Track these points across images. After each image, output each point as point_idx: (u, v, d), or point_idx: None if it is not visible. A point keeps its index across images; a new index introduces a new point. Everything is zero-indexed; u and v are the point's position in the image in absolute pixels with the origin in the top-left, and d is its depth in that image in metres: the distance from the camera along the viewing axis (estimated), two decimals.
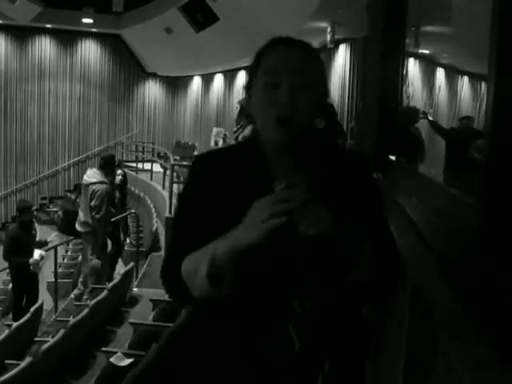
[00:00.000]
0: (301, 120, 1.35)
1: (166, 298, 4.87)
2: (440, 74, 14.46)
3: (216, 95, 18.43)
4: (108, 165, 7.73)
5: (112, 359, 3.92)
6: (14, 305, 8.18)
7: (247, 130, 7.34)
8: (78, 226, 7.64)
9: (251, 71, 1.44)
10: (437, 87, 14.36)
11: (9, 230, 8.25)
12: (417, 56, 12.54)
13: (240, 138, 7.47)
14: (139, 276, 8.51)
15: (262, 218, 1.19)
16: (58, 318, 7.01)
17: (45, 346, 4.69)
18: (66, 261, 10.65)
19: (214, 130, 8.21)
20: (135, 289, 7.90)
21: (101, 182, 7.44)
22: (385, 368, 2.38)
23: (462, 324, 1.36)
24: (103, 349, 4.66)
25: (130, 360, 3.89)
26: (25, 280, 7.86)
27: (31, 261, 7.73)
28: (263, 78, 1.38)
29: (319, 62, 1.43)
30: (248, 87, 1.43)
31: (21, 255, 7.69)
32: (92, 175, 7.55)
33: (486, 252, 1.78)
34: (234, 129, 7.71)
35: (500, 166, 2.02)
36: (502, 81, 2.00)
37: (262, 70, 1.39)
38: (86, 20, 16.72)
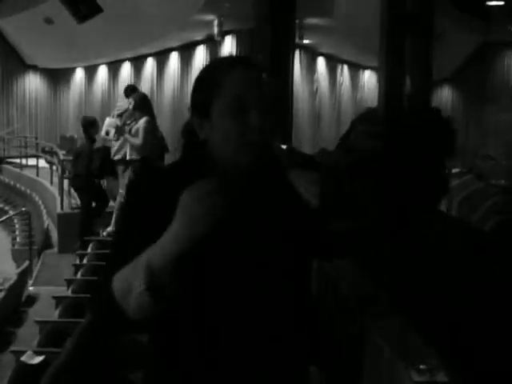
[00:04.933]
0: (268, 143, 1.39)
1: (69, 294, 4.85)
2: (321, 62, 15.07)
3: (100, 87, 18.12)
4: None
5: (23, 358, 3.90)
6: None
7: (141, 123, 7.39)
8: None
9: (207, 95, 1.39)
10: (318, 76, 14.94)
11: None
12: (301, 47, 13.06)
13: (133, 130, 7.51)
14: (34, 275, 8.35)
15: (200, 211, 1.15)
16: None
17: None
18: None
19: (107, 120, 8.15)
20: (31, 288, 7.75)
21: None
22: None
23: (364, 289, 1.59)
24: (12, 348, 4.60)
25: (42, 357, 3.89)
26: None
27: None
28: (230, 104, 1.36)
29: (274, 83, 1.50)
30: (204, 112, 1.39)
31: None
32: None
33: (382, 230, 2.03)
34: (128, 121, 7.70)
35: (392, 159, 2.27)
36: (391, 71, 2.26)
37: (229, 95, 1.36)
38: None
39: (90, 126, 8.45)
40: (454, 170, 10.63)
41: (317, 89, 15.19)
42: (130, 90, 8.52)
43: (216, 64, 1.44)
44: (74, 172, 8.62)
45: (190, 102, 1.45)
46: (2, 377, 4.36)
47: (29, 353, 3.98)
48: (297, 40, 10.53)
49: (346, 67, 15.72)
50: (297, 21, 9.15)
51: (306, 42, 11.94)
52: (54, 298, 5.56)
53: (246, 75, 1.38)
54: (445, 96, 18.69)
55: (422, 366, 1.09)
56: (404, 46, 2.02)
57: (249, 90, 1.36)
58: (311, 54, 14.46)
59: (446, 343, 1.17)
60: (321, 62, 15.22)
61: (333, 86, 15.74)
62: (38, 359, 3.90)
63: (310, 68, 14.84)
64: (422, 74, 1.99)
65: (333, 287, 1.99)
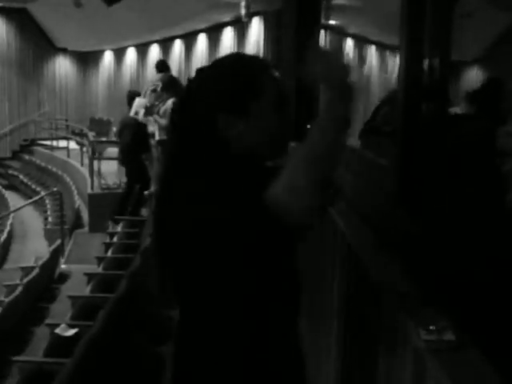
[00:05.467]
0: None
1: (100, 270, 5.01)
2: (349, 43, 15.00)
3: (129, 69, 18.26)
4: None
5: (57, 330, 4.07)
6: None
7: (169, 104, 7.50)
8: None
9: (247, 94, 1.46)
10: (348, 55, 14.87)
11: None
12: (328, 28, 13.01)
13: (161, 111, 7.64)
14: (66, 253, 8.57)
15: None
16: None
17: None
18: None
19: (137, 100, 8.27)
20: (63, 265, 7.97)
21: None
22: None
23: (380, 255, 1.67)
24: (47, 322, 4.78)
25: (75, 330, 4.05)
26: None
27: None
28: (273, 102, 1.47)
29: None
30: (242, 110, 1.45)
31: None
32: None
33: (399, 205, 2.10)
34: (156, 102, 7.83)
35: (409, 128, 2.32)
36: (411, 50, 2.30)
37: (271, 94, 1.47)
38: None
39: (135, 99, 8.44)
40: None
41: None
42: (161, 65, 8.59)
43: (250, 65, 1.53)
44: (120, 148, 8.67)
45: (214, 99, 1.47)
46: (37, 348, 4.55)
47: (63, 326, 4.14)
48: (324, 21, 10.51)
49: (373, 48, 15.62)
50: (324, 1, 9.14)
51: (332, 22, 11.90)
52: (86, 274, 5.74)
53: (276, 76, 1.52)
54: (475, 77, 18.45)
55: (431, 327, 1.18)
56: (424, 24, 2.06)
57: (282, 89, 1.50)
58: (339, 35, 14.40)
59: (454, 306, 1.25)
60: (348, 43, 15.14)
61: (361, 66, 15.66)
62: (72, 332, 4.06)
63: (338, 49, 14.78)
64: (443, 53, 2.03)
65: (354, 258, 2.07)
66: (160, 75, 8.25)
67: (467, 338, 1.12)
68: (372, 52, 15.80)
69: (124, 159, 8.47)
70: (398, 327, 1.34)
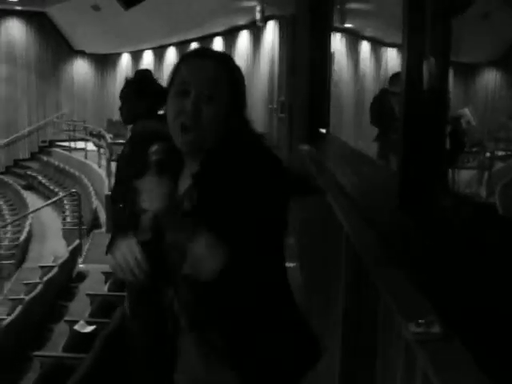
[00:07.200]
0: (203, 129, 1.42)
1: None
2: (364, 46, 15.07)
3: None
4: None
5: (76, 327, 4.21)
6: None
7: None
8: None
9: (168, 82, 1.50)
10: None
11: None
12: (344, 30, 13.13)
13: None
14: (83, 253, 8.73)
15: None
16: (9, 297, 7.14)
17: (5, 322, 4.90)
18: (7, 243, 10.68)
19: None
20: (81, 265, 8.13)
21: None
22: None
23: (380, 255, 1.79)
24: (66, 318, 4.94)
25: (93, 327, 4.19)
26: None
27: None
28: (175, 88, 1.47)
29: (231, 73, 1.49)
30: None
31: None
32: None
33: (399, 206, 2.21)
34: None
35: (411, 131, 2.41)
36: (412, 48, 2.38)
37: (175, 80, 1.48)
38: None
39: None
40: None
41: (359, 71, 15.22)
42: None
43: (180, 56, 1.55)
44: None
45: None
46: (57, 344, 4.70)
47: (81, 322, 4.29)
48: (338, 24, 10.60)
49: (389, 50, 15.67)
50: (338, 6, 9.25)
51: (347, 25, 11.99)
52: (103, 273, 5.89)
53: (194, 62, 1.49)
54: (491, 79, 18.38)
55: (420, 321, 1.29)
56: (424, 23, 2.14)
57: (192, 75, 1.45)
58: (354, 38, 14.50)
59: (442, 302, 1.36)
60: (364, 45, 15.21)
61: (377, 69, 15.72)
62: (90, 328, 4.20)
63: (354, 51, 14.86)
64: (441, 54, 2.11)
65: (358, 259, 2.18)
66: None
67: (451, 331, 1.24)
68: (388, 54, 15.83)
69: None
70: (393, 322, 1.45)
